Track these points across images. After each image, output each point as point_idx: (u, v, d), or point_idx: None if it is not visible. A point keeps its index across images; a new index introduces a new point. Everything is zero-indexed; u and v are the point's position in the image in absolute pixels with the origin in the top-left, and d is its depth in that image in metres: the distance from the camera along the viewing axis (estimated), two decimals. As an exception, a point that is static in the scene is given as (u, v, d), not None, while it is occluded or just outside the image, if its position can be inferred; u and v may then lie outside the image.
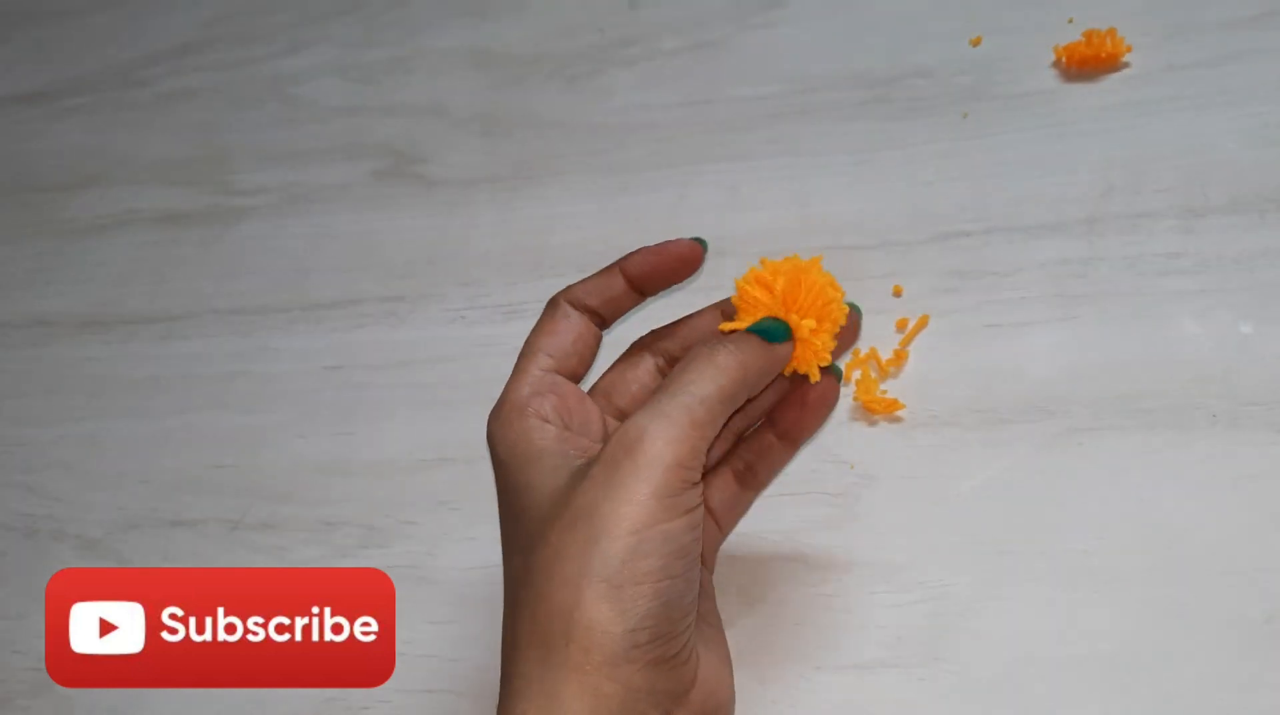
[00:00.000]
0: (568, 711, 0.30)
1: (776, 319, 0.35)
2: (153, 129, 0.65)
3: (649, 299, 0.38)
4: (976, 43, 0.55)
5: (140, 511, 0.50)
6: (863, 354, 0.47)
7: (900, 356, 0.46)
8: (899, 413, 0.45)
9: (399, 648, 0.43)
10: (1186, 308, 0.45)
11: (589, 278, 0.38)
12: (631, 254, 0.37)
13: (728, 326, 0.36)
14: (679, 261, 0.37)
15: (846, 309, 0.37)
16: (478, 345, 0.52)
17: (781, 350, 0.35)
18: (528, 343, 0.37)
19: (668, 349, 0.38)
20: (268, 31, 0.68)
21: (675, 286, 0.38)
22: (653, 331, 0.39)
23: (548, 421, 0.35)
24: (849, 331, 0.38)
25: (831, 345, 0.36)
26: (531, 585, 0.32)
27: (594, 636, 0.30)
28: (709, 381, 0.33)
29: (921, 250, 0.50)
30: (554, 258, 0.54)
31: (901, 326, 0.47)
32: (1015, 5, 0.56)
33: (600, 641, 0.30)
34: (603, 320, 0.38)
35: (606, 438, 0.37)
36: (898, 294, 0.48)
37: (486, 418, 0.36)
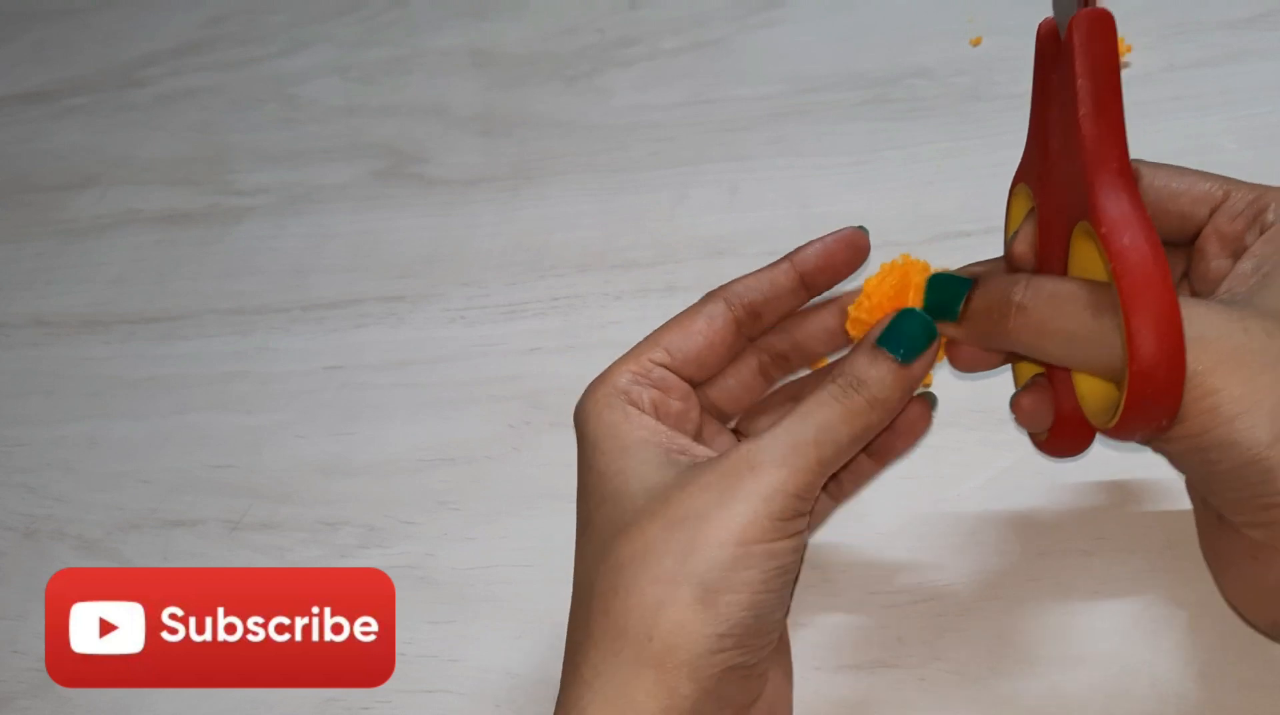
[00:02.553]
0: (639, 707, 0.30)
1: (918, 314, 0.33)
2: (153, 129, 0.65)
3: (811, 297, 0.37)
4: (976, 43, 0.55)
5: (140, 511, 0.50)
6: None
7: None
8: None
9: (399, 648, 0.43)
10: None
11: (754, 273, 0.36)
12: (800, 249, 0.36)
13: (857, 313, 0.34)
14: (850, 249, 0.36)
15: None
16: (478, 345, 0.52)
17: (916, 371, 0.33)
18: (657, 330, 0.36)
19: (776, 346, 0.37)
20: (268, 31, 0.68)
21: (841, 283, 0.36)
22: (762, 331, 0.37)
23: (645, 412, 0.34)
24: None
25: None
26: (615, 575, 0.31)
27: (680, 636, 0.30)
28: (843, 423, 0.32)
29: (921, 250, 0.49)
30: (554, 258, 0.54)
31: (901, 326, 0.47)
32: (1015, 5, 0.56)
33: (686, 642, 0.30)
34: (758, 322, 0.36)
35: (700, 435, 0.36)
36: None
37: (579, 399, 0.35)
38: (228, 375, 0.54)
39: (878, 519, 0.43)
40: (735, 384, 0.38)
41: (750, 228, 0.52)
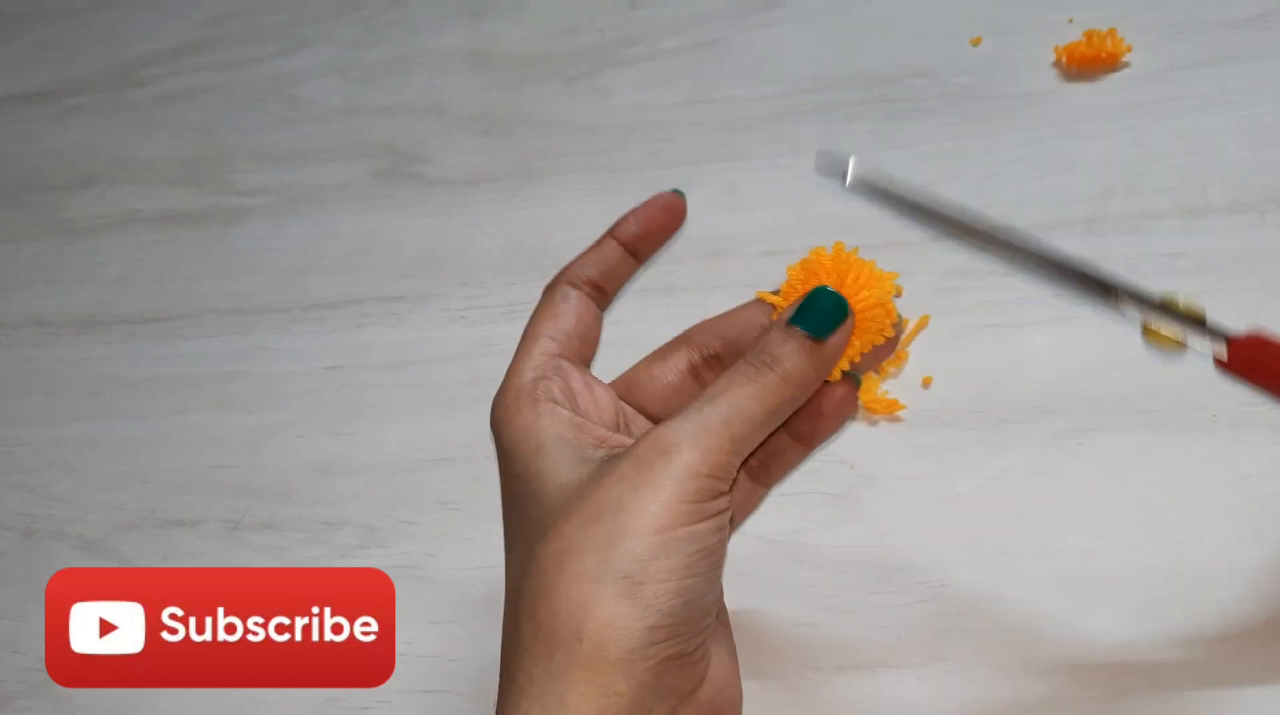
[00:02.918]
0: (574, 711, 0.30)
1: (830, 291, 0.33)
2: (153, 129, 0.65)
3: (643, 266, 0.38)
4: (976, 43, 0.55)
5: (140, 511, 0.50)
6: (863, 354, 0.46)
7: (900, 356, 0.46)
8: (899, 413, 0.45)
9: (399, 648, 0.43)
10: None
11: (582, 254, 0.37)
12: (619, 221, 0.37)
13: (768, 296, 0.34)
14: (665, 213, 0.37)
15: (896, 313, 0.35)
16: (478, 345, 0.52)
17: (830, 348, 0.33)
18: (529, 328, 0.37)
19: (704, 342, 0.37)
20: (268, 31, 0.68)
21: (665, 247, 0.37)
22: (694, 326, 0.38)
23: (559, 404, 0.34)
24: (888, 343, 0.36)
25: (865, 348, 0.35)
26: (539, 578, 0.31)
27: (610, 633, 0.30)
28: (754, 400, 0.32)
29: (921, 250, 0.50)
30: (554, 258, 0.53)
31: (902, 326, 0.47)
32: (1015, 5, 0.56)
33: (616, 638, 0.30)
34: (604, 295, 0.37)
35: (621, 426, 0.36)
36: (898, 294, 0.48)
37: (490, 408, 0.36)
38: (228, 375, 0.54)
39: (878, 519, 0.43)
40: (663, 386, 0.37)
41: (750, 228, 0.52)
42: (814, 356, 0.33)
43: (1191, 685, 0.37)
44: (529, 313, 0.52)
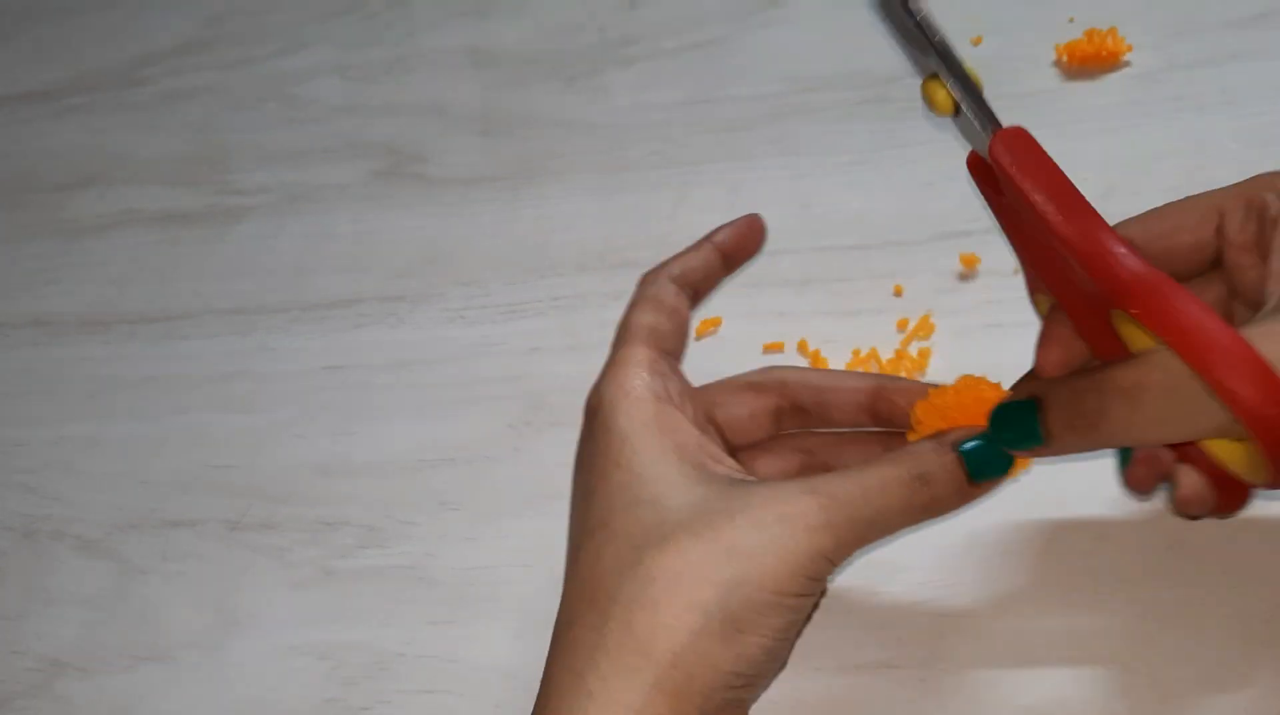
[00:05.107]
0: None
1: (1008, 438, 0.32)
2: (153, 129, 0.65)
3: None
4: (977, 42, 0.55)
5: (140, 511, 0.50)
6: (863, 354, 0.46)
7: (901, 356, 0.46)
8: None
9: (399, 648, 0.43)
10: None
11: (683, 252, 0.38)
12: (715, 230, 0.39)
13: (920, 426, 0.35)
14: (753, 230, 0.39)
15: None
16: (478, 345, 0.52)
17: (981, 491, 0.33)
18: (631, 317, 0.36)
19: (796, 394, 0.37)
20: (268, 31, 0.68)
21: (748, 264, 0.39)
22: (793, 371, 0.38)
23: (677, 408, 0.34)
24: None
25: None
26: (646, 588, 0.31)
27: (702, 668, 0.30)
28: (897, 515, 0.32)
29: (921, 250, 0.50)
30: (554, 258, 0.54)
31: (902, 327, 0.47)
32: (1016, 4, 0.56)
33: (705, 674, 0.30)
34: (696, 297, 0.38)
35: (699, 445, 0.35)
36: (898, 294, 0.48)
37: (597, 388, 0.35)
38: (228, 375, 0.54)
39: (878, 519, 0.43)
40: (745, 415, 0.37)
41: (750, 227, 0.52)
42: (964, 494, 0.33)
43: (1192, 684, 0.37)
44: (529, 313, 0.52)
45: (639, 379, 0.34)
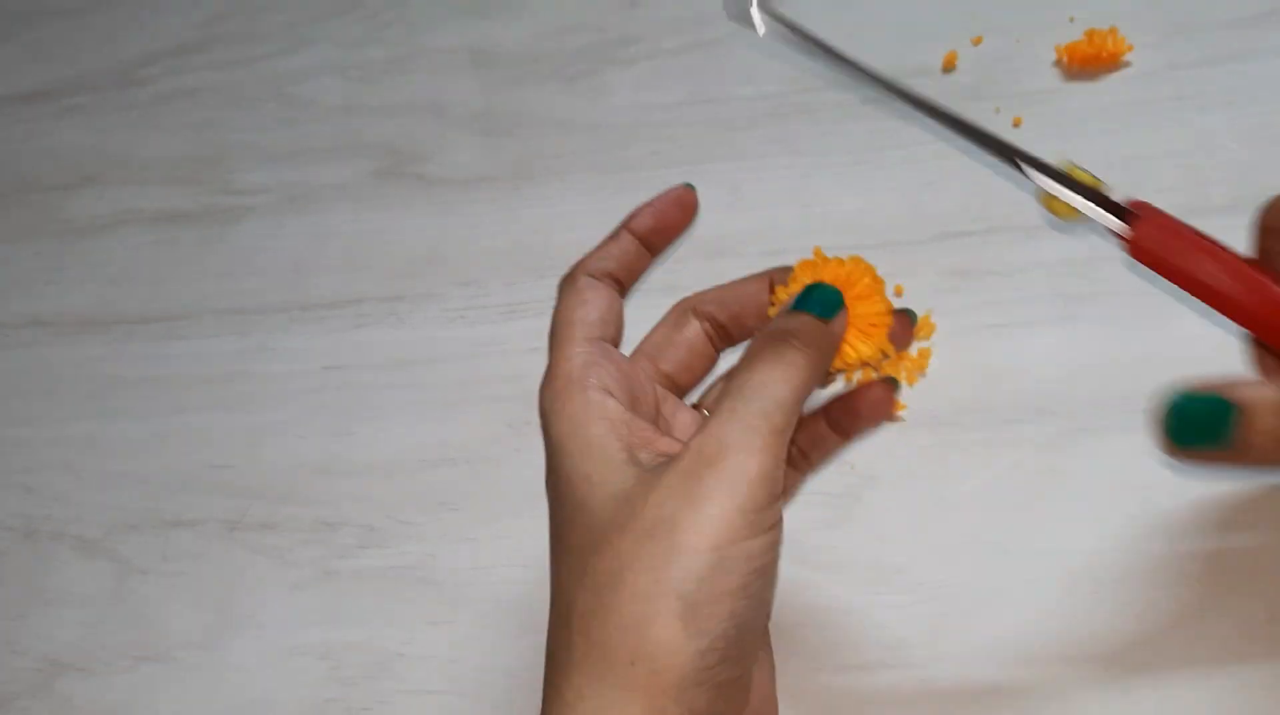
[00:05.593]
0: None
1: (825, 285, 0.33)
2: (152, 129, 0.65)
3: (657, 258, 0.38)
4: (978, 42, 0.55)
5: (140, 511, 0.50)
6: (863, 354, 0.46)
7: (902, 356, 0.46)
8: (899, 413, 0.45)
9: (399, 648, 0.43)
10: (1187, 307, 0.45)
11: (598, 247, 0.37)
12: (632, 214, 0.37)
13: (781, 293, 0.35)
14: (678, 206, 0.37)
15: (890, 309, 0.35)
16: (478, 345, 0.52)
17: (836, 324, 0.33)
18: (560, 317, 0.36)
19: (712, 314, 0.37)
20: (268, 31, 0.68)
21: (678, 242, 0.37)
22: (695, 294, 0.37)
23: (609, 394, 0.33)
24: (900, 335, 0.36)
25: (874, 352, 0.35)
26: (593, 593, 0.30)
27: (665, 657, 0.29)
28: (782, 383, 0.31)
29: (921, 250, 0.50)
30: (554, 258, 0.54)
31: (902, 326, 0.47)
32: (1016, 5, 0.56)
33: (671, 662, 0.29)
34: (621, 288, 0.36)
35: (659, 413, 0.35)
36: (898, 294, 0.48)
37: (538, 398, 0.34)
38: (227, 375, 0.54)
39: (878, 519, 0.43)
40: (686, 353, 0.37)
41: (751, 227, 0.52)
42: (823, 331, 0.32)
43: (1192, 684, 0.37)
44: (529, 313, 0.52)
45: (563, 378, 0.34)
